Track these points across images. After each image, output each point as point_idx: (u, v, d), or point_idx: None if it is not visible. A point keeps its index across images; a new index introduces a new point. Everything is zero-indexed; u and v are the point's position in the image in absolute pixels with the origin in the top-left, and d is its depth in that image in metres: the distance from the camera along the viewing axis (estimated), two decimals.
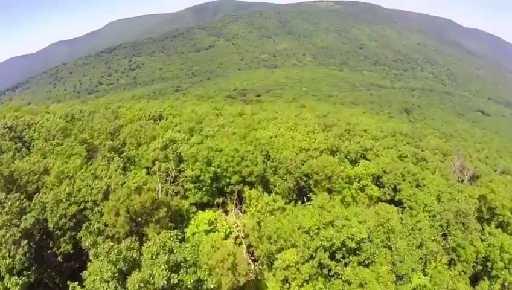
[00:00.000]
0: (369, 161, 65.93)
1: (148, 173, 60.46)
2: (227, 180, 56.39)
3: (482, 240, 59.18)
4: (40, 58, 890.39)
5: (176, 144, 61.92)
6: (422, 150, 74.37)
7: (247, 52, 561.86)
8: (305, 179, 60.06)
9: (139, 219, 43.85)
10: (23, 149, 65.09)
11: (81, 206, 46.19)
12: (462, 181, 72.75)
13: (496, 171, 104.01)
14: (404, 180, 61.34)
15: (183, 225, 53.33)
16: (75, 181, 48.70)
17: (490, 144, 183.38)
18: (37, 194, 47.38)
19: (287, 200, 58.11)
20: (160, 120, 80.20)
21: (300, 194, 61.86)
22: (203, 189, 57.25)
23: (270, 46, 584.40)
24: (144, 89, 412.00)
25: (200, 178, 56.63)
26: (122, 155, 62.41)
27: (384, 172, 61.75)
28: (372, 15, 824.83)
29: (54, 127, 67.47)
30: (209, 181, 56.46)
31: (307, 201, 58.27)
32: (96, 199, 46.07)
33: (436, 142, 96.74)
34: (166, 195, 54.92)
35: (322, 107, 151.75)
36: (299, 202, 56.83)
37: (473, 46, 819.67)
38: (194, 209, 56.65)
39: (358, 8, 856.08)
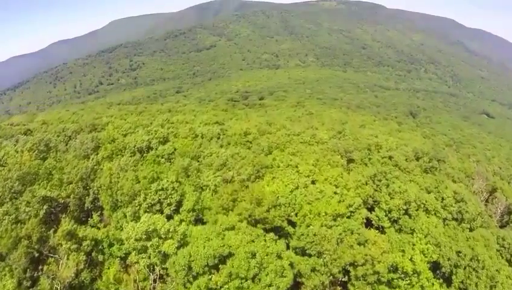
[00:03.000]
0: (412, 218, 56.89)
1: (123, 265, 49.29)
2: None
3: None
4: (41, 58, 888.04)
5: (157, 239, 46.16)
6: (453, 180, 69.32)
7: (249, 52, 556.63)
8: (344, 267, 47.63)
9: None
10: None
11: None
12: (493, 213, 67.72)
13: (509, 183, 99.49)
14: (478, 278, 48.81)
15: None
16: None
17: (499, 151, 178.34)
18: None
19: None
20: (147, 151, 69.81)
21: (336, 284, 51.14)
22: None
23: (272, 46, 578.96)
24: (144, 89, 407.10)
25: None
26: (84, 245, 47.79)
27: (449, 259, 50.43)
28: (375, 15, 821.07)
29: (13, 172, 57.17)
30: None
31: None
32: None
33: (457, 162, 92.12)
34: None
35: (329, 114, 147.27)
36: None
37: (475, 47, 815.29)
38: None
39: (361, 7, 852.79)
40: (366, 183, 61.07)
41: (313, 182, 60.58)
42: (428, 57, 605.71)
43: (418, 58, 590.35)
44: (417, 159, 76.60)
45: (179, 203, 53.67)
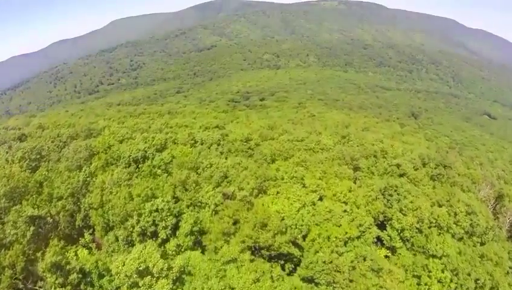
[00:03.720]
0: (425, 236, 54.03)
1: None
2: None
3: None
4: (42, 57, 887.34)
5: (150, 277, 40.15)
6: (462, 189, 67.77)
7: (250, 52, 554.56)
8: None
9: None
10: None
11: None
12: (503, 224, 66.05)
13: None
14: None
15: None
16: None
17: (502, 153, 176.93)
18: None
19: None
20: (143, 161, 65.62)
21: None
22: None
23: (273, 46, 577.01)
24: (144, 89, 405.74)
25: None
26: (71, 278, 41.65)
27: (467, 289, 47.97)
28: (376, 15, 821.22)
29: (1, 187, 53.35)
30: None
31: None
32: None
33: (462, 167, 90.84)
34: None
35: (332, 116, 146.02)
36: None
37: (477, 47, 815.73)
38: None
39: (362, 7, 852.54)
40: (377, 198, 58.46)
41: (321, 198, 57.41)
42: (429, 57, 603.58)
43: (419, 59, 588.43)
44: (423, 165, 75.15)
45: (176, 225, 50.19)
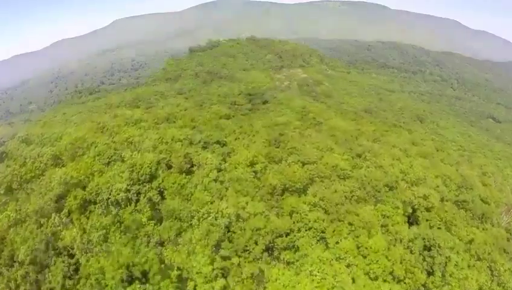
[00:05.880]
0: None
1: None
2: None
3: None
4: (44, 56, 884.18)
5: None
6: (492, 224, 63.80)
7: (252, 53, 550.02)
8: None
9: None
10: None
11: None
12: None
13: None
14: None
15: None
16: None
17: (511, 161, 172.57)
18: None
19: None
20: (126, 205, 56.65)
21: None
22: None
23: (275, 47, 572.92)
24: (145, 90, 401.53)
25: None
26: None
27: None
28: (379, 16, 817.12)
29: None
30: None
31: None
32: None
33: (482, 187, 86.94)
34: None
35: (338, 123, 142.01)
36: None
37: (480, 48, 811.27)
38: None
39: (365, 8, 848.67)
40: (416, 262, 51.41)
41: (348, 266, 48.09)
42: (433, 58, 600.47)
43: (423, 60, 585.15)
44: (445, 185, 70.78)
45: None
